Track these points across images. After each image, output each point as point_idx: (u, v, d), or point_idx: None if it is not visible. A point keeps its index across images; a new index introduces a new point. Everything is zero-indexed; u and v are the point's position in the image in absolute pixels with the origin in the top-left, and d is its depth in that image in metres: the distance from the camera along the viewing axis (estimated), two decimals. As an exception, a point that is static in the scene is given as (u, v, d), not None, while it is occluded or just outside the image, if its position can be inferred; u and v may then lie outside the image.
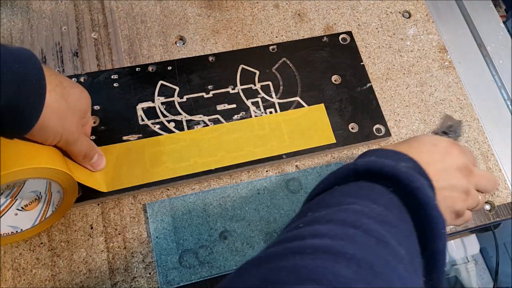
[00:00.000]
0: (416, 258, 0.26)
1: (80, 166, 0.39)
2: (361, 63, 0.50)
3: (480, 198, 0.36)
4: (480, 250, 0.90)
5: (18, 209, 0.38)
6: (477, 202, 0.36)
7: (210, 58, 0.49)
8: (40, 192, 0.39)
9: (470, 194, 0.35)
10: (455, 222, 0.36)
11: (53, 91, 0.33)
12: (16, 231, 0.38)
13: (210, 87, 0.47)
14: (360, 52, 0.51)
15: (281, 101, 0.47)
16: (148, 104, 0.46)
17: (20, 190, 0.38)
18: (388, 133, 0.47)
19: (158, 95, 0.46)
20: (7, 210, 0.38)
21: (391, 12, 0.56)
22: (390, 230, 0.24)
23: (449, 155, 0.35)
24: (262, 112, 0.46)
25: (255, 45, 0.51)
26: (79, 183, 0.37)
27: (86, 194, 0.41)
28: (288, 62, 0.49)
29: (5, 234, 0.37)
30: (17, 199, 0.38)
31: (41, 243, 0.40)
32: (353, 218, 0.24)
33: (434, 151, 0.35)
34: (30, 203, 0.38)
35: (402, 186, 0.28)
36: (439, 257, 0.28)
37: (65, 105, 0.34)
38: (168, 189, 0.43)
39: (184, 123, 0.45)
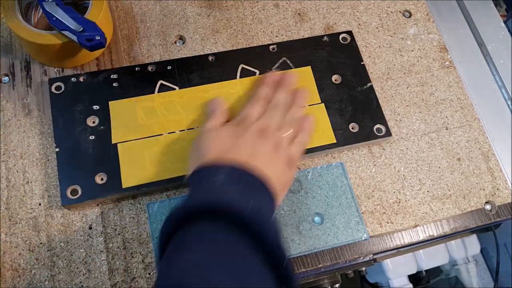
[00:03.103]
0: None
1: None
2: (362, 63, 0.50)
3: (289, 134, 0.40)
4: (481, 250, 0.90)
5: None
6: (288, 142, 0.40)
7: (210, 58, 0.49)
8: None
9: (279, 146, 0.38)
10: (290, 172, 0.40)
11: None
12: None
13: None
14: (361, 52, 0.51)
15: (281, 100, 0.47)
16: (148, 103, 0.45)
17: None
18: (388, 133, 0.46)
19: (158, 95, 0.46)
20: None
21: (391, 11, 0.55)
22: None
23: (243, 135, 0.38)
24: (262, 112, 0.46)
25: (255, 45, 0.51)
26: None
27: (86, 194, 0.41)
28: (288, 61, 0.49)
29: None
30: None
31: (41, 243, 0.40)
32: None
33: (237, 143, 0.37)
34: None
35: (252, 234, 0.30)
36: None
37: None
38: (168, 189, 0.43)
39: (184, 123, 0.45)
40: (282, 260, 0.29)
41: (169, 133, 0.44)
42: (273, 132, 0.39)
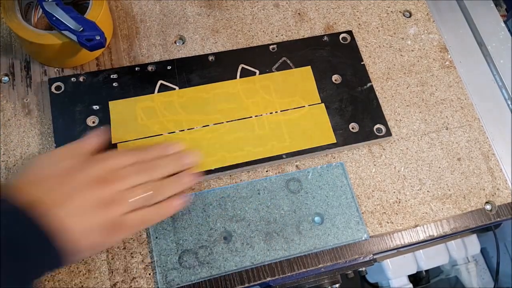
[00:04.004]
0: None
1: None
2: (362, 63, 0.50)
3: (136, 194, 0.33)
4: (481, 250, 0.90)
5: None
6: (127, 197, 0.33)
7: (210, 58, 0.49)
8: None
9: (113, 204, 0.32)
10: (110, 237, 0.33)
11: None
12: None
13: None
14: (361, 52, 0.51)
15: (281, 100, 0.47)
16: (148, 103, 0.45)
17: None
18: (388, 133, 0.46)
19: (158, 95, 0.46)
20: None
21: (391, 11, 0.55)
22: None
23: (77, 173, 0.32)
24: (262, 112, 0.46)
25: (255, 45, 0.51)
26: None
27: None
28: (288, 61, 0.49)
29: None
30: None
31: (40, 243, 0.40)
32: None
33: (61, 180, 0.32)
34: None
35: None
36: None
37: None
38: (167, 189, 0.43)
39: (184, 123, 0.45)
40: None
41: (169, 133, 0.44)
42: (117, 188, 0.33)
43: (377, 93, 0.49)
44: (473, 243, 0.86)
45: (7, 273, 0.27)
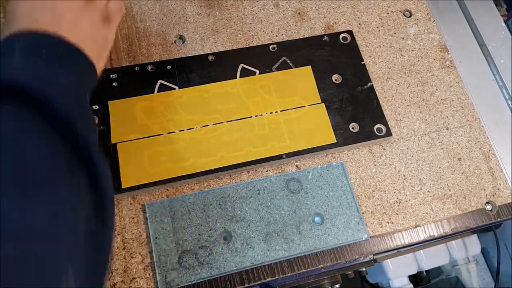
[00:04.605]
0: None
1: None
2: (362, 62, 0.50)
3: None
4: (481, 251, 0.90)
5: None
6: None
7: (210, 57, 0.49)
8: None
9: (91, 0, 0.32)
10: (108, 30, 0.34)
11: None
12: None
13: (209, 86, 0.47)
14: (361, 51, 0.51)
15: (281, 100, 0.47)
16: (148, 103, 0.45)
17: None
18: (389, 133, 0.46)
19: (158, 95, 0.46)
20: None
21: (392, 11, 0.55)
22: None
23: None
24: (262, 112, 0.46)
25: (255, 44, 0.51)
26: None
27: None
28: (288, 61, 0.49)
29: None
30: None
31: (40, 243, 0.40)
32: None
33: (41, 4, 0.30)
34: None
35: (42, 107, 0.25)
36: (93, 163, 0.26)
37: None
38: (167, 189, 0.43)
39: (184, 123, 0.45)
40: (87, 147, 0.25)
41: (168, 133, 0.44)
42: None
43: (377, 93, 0.49)
44: (473, 243, 0.86)
45: (70, 84, 0.28)
